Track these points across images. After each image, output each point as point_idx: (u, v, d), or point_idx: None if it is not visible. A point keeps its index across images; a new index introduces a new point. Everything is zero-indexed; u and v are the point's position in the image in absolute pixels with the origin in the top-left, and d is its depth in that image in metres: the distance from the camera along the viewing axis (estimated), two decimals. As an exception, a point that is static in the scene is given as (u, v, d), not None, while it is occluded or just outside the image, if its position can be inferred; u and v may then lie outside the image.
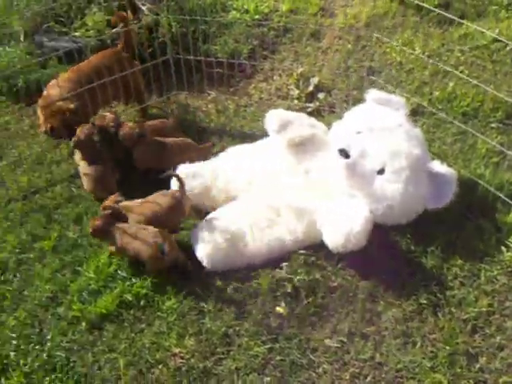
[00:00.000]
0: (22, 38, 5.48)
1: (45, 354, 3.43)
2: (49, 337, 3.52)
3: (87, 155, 4.27)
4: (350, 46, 5.44)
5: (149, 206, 3.82)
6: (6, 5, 5.80)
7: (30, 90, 4.93)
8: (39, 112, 4.44)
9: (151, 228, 3.63)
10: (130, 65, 4.59)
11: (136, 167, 4.34)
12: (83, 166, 4.29)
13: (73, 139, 4.22)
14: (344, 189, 3.73)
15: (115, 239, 3.69)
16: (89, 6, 5.30)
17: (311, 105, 4.75)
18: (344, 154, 3.69)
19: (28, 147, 4.80)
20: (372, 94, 4.09)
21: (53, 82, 4.46)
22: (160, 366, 3.33)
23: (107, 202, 3.81)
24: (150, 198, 3.88)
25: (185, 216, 3.88)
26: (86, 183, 4.27)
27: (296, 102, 4.82)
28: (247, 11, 5.68)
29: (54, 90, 4.40)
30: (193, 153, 4.29)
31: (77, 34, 5.18)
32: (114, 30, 4.97)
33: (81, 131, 4.22)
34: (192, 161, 4.17)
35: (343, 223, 3.51)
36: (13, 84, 5.21)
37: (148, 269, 3.69)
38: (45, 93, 4.43)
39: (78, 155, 4.31)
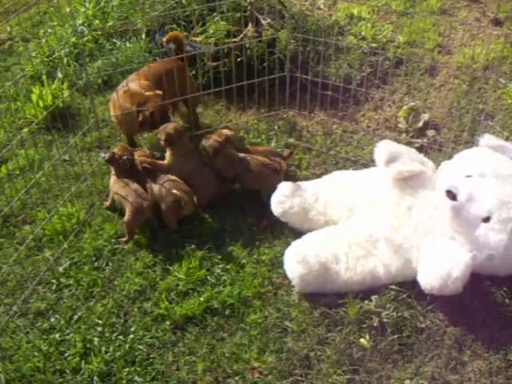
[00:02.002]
0: (143, 36, 5.64)
1: (127, 346, 3.50)
2: (132, 329, 3.59)
3: None
4: (464, 86, 5.35)
5: None
6: (131, 2, 6.00)
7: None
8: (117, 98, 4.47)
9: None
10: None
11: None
12: None
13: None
14: (445, 230, 3.65)
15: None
16: (211, 14, 5.40)
17: (419, 140, 4.68)
18: (451, 195, 3.61)
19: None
20: (487, 139, 3.98)
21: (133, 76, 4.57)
22: (237, 378, 3.34)
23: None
24: None
25: None
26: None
27: (404, 135, 4.77)
28: (364, 38, 5.67)
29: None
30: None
31: (196, 39, 5.29)
32: (233, 40, 5.07)
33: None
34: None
35: (442, 267, 3.43)
36: (128, 79, 5.37)
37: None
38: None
39: None
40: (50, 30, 6.11)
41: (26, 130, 5.04)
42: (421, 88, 5.36)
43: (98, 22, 5.99)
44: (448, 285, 3.42)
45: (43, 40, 5.99)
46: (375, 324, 3.52)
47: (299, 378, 3.32)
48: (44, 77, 5.43)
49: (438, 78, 5.50)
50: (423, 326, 3.53)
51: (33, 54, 5.94)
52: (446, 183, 3.72)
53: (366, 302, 3.61)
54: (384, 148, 3.99)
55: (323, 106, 5.05)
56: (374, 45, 5.57)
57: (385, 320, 3.53)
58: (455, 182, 3.70)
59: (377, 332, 3.50)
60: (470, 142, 4.51)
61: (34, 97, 5.20)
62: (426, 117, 4.85)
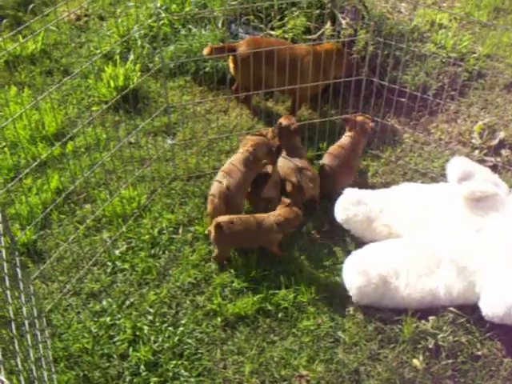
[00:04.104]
0: (219, 25, 5.58)
1: (176, 338, 3.48)
2: (183, 321, 3.57)
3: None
4: (545, 106, 5.15)
5: None
6: (210, -11, 5.95)
7: (215, 76, 5.00)
8: None
9: None
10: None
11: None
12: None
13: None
14: (515, 257, 3.52)
15: None
16: (290, 9, 5.30)
17: (492, 159, 4.51)
18: (524, 222, 3.48)
19: (202, 131, 4.90)
20: None
21: None
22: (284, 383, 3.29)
23: None
24: None
25: None
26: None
27: (477, 152, 4.60)
28: (444, 47, 5.49)
29: None
30: None
31: (272, 32, 5.21)
32: (310, 37, 4.98)
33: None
34: None
35: (507, 295, 3.30)
36: (200, 67, 5.34)
37: None
38: None
39: None
40: (127, 10, 6.11)
41: (95, 108, 5.06)
42: (498, 104, 5.17)
43: (175, 6, 5.96)
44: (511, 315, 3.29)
45: (119, 19, 5.99)
46: (430, 346, 3.41)
47: (347, 392, 3.25)
48: (117, 56, 5.44)
49: (517, 95, 5.30)
50: (480, 353, 3.40)
51: (107, 33, 5.96)
52: (519, 208, 3.58)
53: (423, 321, 3.50)
54: (458, 164, 3.87)
55: (396, 114, 4.90)
56: (453, 55, 5.39)
57: (440, 343, 3.42)
58: (530, 208, 3.56)
59: (431, 354, 3.40)
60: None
61: (105, 76, 5.21)
62: (501, 135, 4.67)
